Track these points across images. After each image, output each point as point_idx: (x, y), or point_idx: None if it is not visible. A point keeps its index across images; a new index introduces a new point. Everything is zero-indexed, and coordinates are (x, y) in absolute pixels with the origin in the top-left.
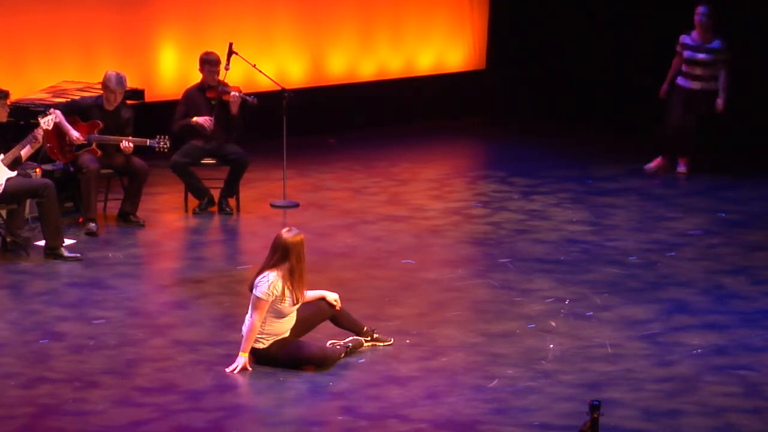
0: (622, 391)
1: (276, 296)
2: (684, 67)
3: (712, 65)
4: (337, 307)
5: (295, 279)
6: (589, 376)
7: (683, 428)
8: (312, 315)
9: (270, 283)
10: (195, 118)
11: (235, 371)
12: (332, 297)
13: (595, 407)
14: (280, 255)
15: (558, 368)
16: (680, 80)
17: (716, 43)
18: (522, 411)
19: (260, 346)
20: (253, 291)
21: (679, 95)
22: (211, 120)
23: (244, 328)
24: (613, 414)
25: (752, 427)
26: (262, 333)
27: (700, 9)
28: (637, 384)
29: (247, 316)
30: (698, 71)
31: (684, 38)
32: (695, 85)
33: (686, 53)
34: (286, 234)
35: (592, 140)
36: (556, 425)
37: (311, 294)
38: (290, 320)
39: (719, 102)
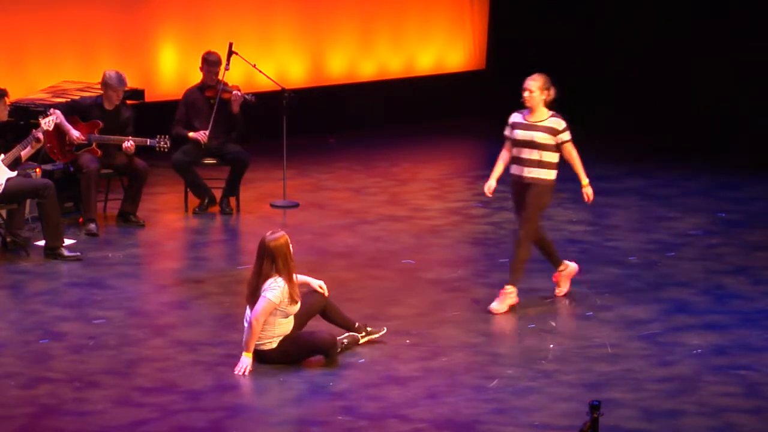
0: (622, 391)
1: (283, 300)
2: (514, 151)
3: (546, 148)
4: (325, 294)
5: (290, 279)
6: (589, 376)
7: (683, 428)
8: (306, 311)
9: (281, 289)
10: (191, 133)
11: (243, 372)
12: (316, 284)
13: (595, 407)
14: (269, 261)
15: (558, 368)
16: (513, 168)
17: (551, 121)
18: (522, 411)
19: (270, 347)
20: (265, 294)
21: (512, 190)
22: (205, 134)
23: (247, 328)
24: (613, 414)
25: (752, 427)
26: (272, 336)
27: (528, 83)
28: (637, 384)
29: (248, 317)
30: (529, 154)
31: (514, 117)
32: (527, 172)
33: (515, 132)
34: (269, 239)
35: (592, 140)
36: (556, 425)
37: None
38: (292, 318)
39: (587, 192)
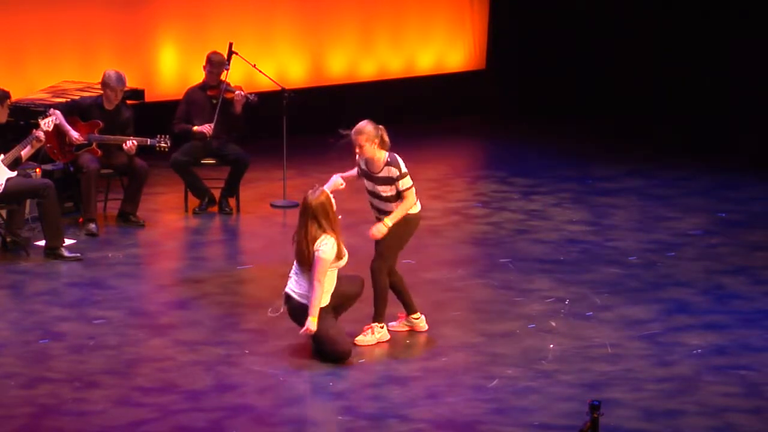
0: (622, 391)
1: (335, 255)
2: (369, 197)
3: (393, 198)
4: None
5: (336, 234)
6: (589, 376)
7: (683, 428)
8: (344, 293)
9: (331, 245)
10: (196, 127)
11: (307, 332)
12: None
13: (595, 407)
14: (314, 220)
15: (558, 368)
16: (373, 211)
17: (386, 170)
18: (522, 411)
19: (306, 303)
20: (318, 254)
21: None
22: (211, 126)
23: (310, 293)
24: (613, 414)
25: (752, 427)
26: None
27: (354, 137)
28: (637, 384)
29: (295, 269)
30: (380, 205)
31: (360, 161)
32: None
33: (365, 181)
34: (311, 197)
35: (592, 140)
36: (556, 425)
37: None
38: (333, 276)
39: (379, 228)
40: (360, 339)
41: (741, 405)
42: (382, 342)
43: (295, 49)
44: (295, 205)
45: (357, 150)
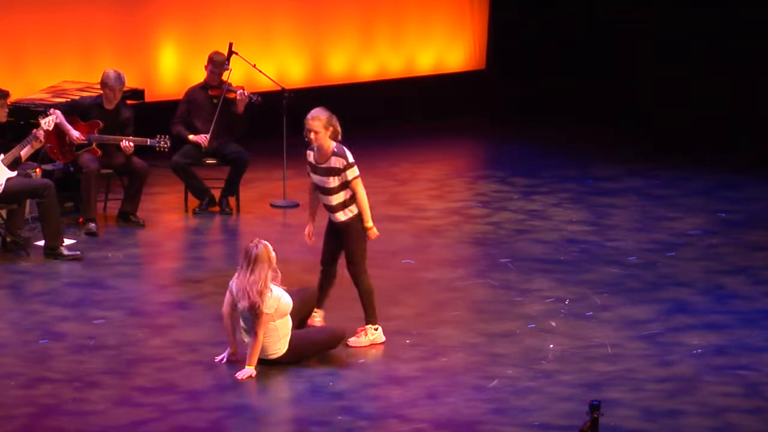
0: (622, 391)
1: (278, 307)
2: (318, 194)
3: (340, 189)
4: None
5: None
6: (589, 376)
7: (683, 428)
8: (302, 306)
9: (276, 297)
10: (191, 136)
11: (242, 378)
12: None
13: (595, 407)
14: (267, 266)
15: (558, 368)
16: (324, 208)
17: (332, 160)
18: (522, 411)
19: (281, 353)
20: (262, 308)
21: (328, 224)
22: (206, 138)
23: (248, 341)
24: (613, 414)
25: (752, 427)
26: (278, 340)
27: (310, 123)
28: (637, 384)
29: (227, 322)
30: (329, 200)
31: (310, 155)
32: (336, 217)
33: (312, 176)
34: (260, 247)
35: (592, 140)
36: (556, 425)
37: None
38: (287, 322)
39: (372, 233)
40: (353, 341)
41: (741, 405)
42: (377, 344)
43: (295, 49)
44: (296, 205)
45: (311, 136)
